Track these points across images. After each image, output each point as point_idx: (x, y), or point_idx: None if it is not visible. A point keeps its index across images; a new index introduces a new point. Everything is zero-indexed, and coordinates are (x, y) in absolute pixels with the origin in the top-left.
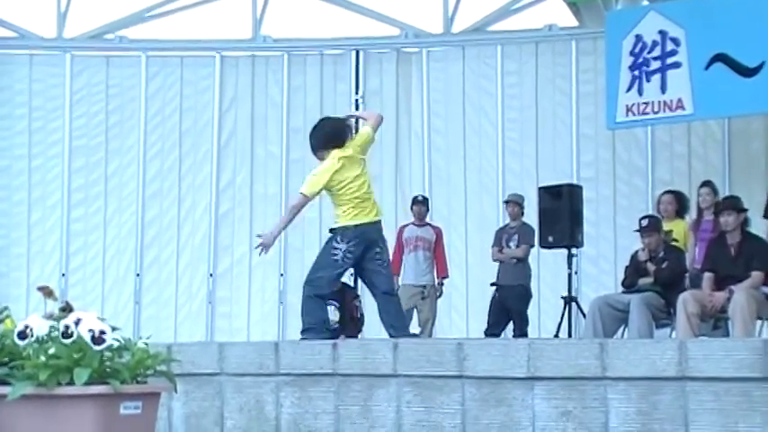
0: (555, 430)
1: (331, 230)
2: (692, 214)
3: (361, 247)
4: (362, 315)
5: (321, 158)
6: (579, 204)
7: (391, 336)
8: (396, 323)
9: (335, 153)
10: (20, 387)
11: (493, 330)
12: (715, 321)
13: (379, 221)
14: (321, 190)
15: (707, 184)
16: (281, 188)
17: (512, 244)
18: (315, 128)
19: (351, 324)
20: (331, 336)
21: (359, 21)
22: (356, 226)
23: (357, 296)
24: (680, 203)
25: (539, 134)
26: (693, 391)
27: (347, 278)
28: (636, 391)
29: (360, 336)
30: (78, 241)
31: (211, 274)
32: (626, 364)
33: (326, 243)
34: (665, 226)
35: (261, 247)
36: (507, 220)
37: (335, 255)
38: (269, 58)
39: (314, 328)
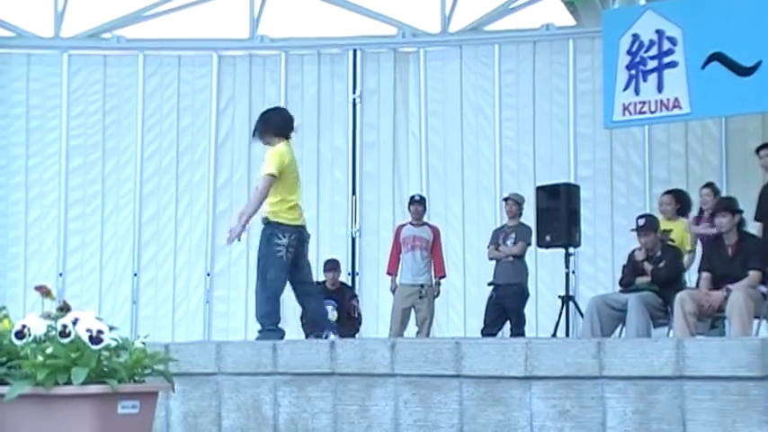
0: (552, 429)
1: (267, 222)
2: (694, 213)
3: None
4: (360, 314)
5: (268, 143)
6: (576, 204)
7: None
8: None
9: (285, 143)
10: (18, 387)
11: (490, 330)
12: (712, 321)
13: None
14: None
15: (709, 185)
16: None
17: (509, 242)
18: (270, 113)
19: (349, 323)
20: (282, 335)
21: (356, 20)
22: (294, 226)
23: (355, 296)
24: (680, 203)
25: (536, 133)
26: (691, 390)
27: (345, 278)
28: (633, 390)
29: (357, 335)
30: (75, 240)
31: (209, 273)
32: (623, 363)
33: (268, 239)
34: (665, 226)
35: (232, 237)
36: (505, 220)
37: (279, 252)
38: (266, 57)
39: (274, 330)
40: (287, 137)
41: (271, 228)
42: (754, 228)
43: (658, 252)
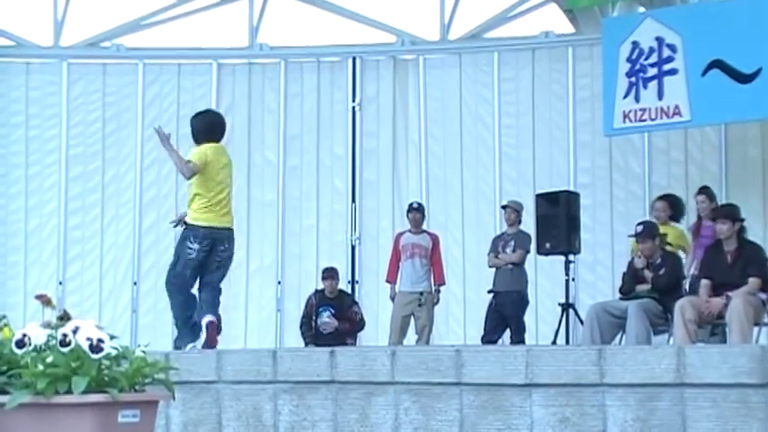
0: None
1: (184, 225)
2: (689, 219)
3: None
4: (363, 319)
5: (198, 144)
6: (576, 211)
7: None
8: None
9: (212, 145)
10: (18, 396)
11: (489, 337)
12: (712, 328)
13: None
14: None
15: (703, 191)
16: (278, 195)
17: (508, 250)
18: (196, 116)
19: (350, 328)
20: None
21: (355, 28)
22: (207, 228)
23: (355, 302)
24: (674, 208)
25: (536, 141)
26: (691, 397)
27: (345, 285)
28: (634, 398)
29: (358, 338)
30: (75, 249)
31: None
32: (624, 370)
33: (182, 240)
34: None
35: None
36: (504, 227)
37: (191, 254)
38: (266, 65)
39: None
40: (215, 140)
41: (186, 231)
42: (754, 235)
43: (658, 259)
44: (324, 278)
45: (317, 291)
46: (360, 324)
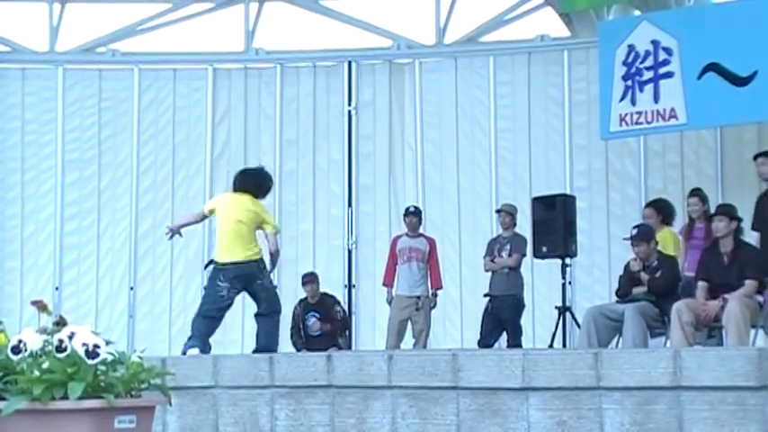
0: None
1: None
2: (683, 220)
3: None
4: (345, 317)
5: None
6: (572, 214)
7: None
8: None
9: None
10: (14, 402)
11: (486, 341)
12: (709, 330)
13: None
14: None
15: (695, 193)
16: (275, 200)
17: (504, 254)
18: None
19: (335, 328)
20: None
21: (351, 32)
22: None
23: (337, 302)
24: (663, 213)
25: (532, 144)
26: (688, 400)
27: (341, 289)
28: (630, 401)
29: (353, 341)
30: (72, 255)
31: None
32: (620, 373)
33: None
34: None
35: (169, 232)
36: (500, 231)
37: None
38: (262, 70)
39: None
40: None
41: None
42: (750, 238)
43: (654, 262)
44: (304, 283)
45: (300, 300)
46: (343, 322)
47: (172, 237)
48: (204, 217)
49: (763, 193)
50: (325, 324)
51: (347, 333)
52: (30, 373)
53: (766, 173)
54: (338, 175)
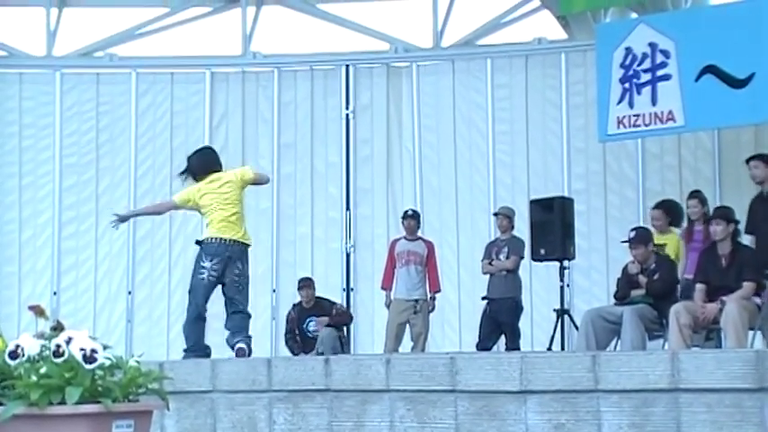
0: None
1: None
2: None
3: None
4: (345, 311)
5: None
6: (570, 217)
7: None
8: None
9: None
10: (11, 407)
11: (484, 344)
12: (707, 332)
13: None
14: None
15: (694, 195)
16: (273, 203)
17: (501, 257)
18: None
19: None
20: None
21: (348, 36)
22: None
23: (333, 303)
24: (672, 214)
25: (529, 147)
26: (686, 402)
27: (339, 293)
28: (629, 404)
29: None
30: (69, 259)
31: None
32: (618, 376)
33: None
34: (658, 240)
35: (115, 221)
36: (498, 234)
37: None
38: (259, 73)
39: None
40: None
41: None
42: (747, 241)
43: (652, 264)
44: (300, 288)
45: (294, 305)
46: (348, 314)
47: (117, 225)
48: (176, 207)
49: (757, 196)
50: (323, 319)
51: (346, 330)
52: (27, 378)
53: (758, 176)
54: (336, 178)
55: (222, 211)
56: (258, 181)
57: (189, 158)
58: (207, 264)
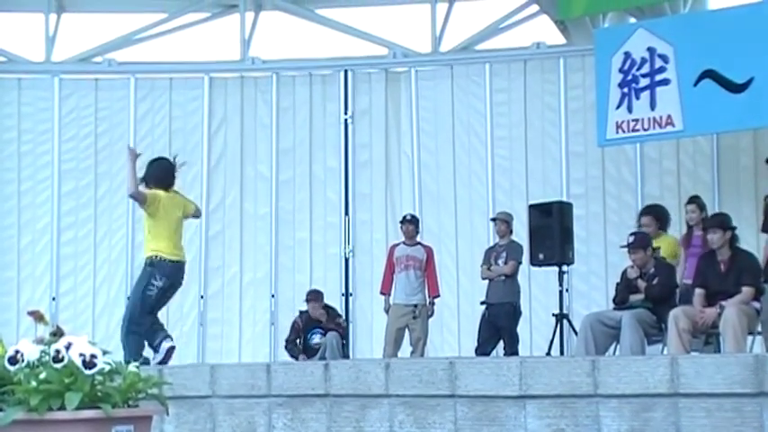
0: None
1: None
2: (681, 229)
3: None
4: (344, 323)
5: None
6: (569, 221)
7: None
8: None
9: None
10: (11, 412)
11: (483, 349)
12: (706, 337)
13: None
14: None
15: (693, 200)
16: (272, 208)
17: (500, 262)
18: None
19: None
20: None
21: (347, 41)
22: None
23: (338, 314)
24: (659, 219)
25: (528, 151)
26: (685, 407)
27: (338, 298)
28: (628, 408)
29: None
30: (68, 265)
31: (202, 296)
32: (618, 381)
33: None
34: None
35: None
36: (497, 239)
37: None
38: (258, 78)
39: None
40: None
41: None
42: (747, 244)
43: (651, 269)
44: (307, 300)
45: (301, 312)
46: (344, 330)
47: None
48: (136, 197)
49: None
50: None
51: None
52: (27, 384)
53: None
54: (335, 183)
55: (171, 230)
56: (195, 216)
57: (150, 164)
58: (158, 283)
